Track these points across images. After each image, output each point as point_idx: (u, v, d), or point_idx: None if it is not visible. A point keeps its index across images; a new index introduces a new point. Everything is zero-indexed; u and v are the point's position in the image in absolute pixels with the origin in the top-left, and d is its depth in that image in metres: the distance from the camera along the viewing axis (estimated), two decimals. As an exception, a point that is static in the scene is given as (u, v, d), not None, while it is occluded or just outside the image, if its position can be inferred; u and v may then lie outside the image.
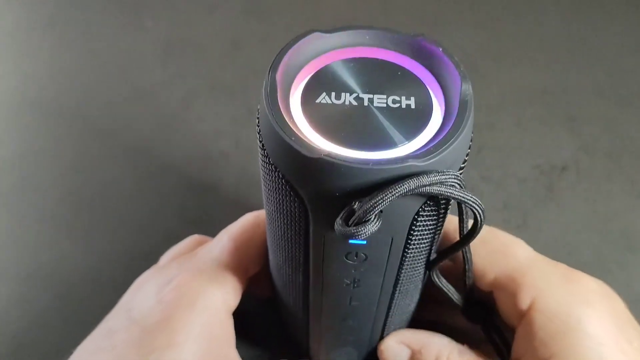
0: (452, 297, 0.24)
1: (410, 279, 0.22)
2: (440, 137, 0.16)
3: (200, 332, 0.22)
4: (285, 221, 0.19)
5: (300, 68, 0.19)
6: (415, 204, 0.17)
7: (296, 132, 0.16)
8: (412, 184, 0.15)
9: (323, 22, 0.54)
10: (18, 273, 0.36)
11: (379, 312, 0.24)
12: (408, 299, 0.24)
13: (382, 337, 0.26)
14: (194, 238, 0.30)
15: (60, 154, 0.44)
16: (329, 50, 0.19)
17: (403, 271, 0.21)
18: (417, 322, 0.27)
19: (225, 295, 0.24)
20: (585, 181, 0.42)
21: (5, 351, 0.32)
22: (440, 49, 0.18)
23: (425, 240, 0.20)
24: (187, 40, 0.53)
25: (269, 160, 0.18)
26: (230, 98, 0.48)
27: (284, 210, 0.19)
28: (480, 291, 0.25)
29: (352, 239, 0.16)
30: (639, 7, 0.57)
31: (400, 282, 0.21)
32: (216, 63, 0.51)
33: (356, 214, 0.16)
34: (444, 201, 0.18)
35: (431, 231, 0.19)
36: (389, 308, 0.23)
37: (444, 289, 0.23)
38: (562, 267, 0.24)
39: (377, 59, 0.19)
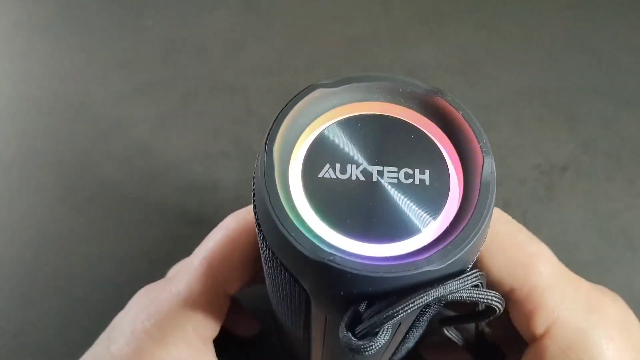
0: (461, 344, 0.23)
1: (414, 340, 0.22)
2: (459, 228, 0.14)
3: None
4: (286, 297, 0.18)
5: (300, 132, 0.17)
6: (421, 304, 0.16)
7: (296, 223, 0.14)
8: (430, 295, 0.14)
9: (322, 22, 0.54)
10: (18, 273, 0.36)
11: None
12: (410, 347, 0.24)
13: None
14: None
15: (60, 154, 0.44)
16: (333, 108, 0.17)
17: (407, 341, 0.21)
18: None
19: (198, 325, 0.23)
20: (585, 181, 0.42)
21: (6, 351, 0.32)
22: (461, 113, 0.16)
23: (426, 321, 0.19)
24: (187, 39, 0.53)
25: (267, 245, 0.16)
26: (230, 97, 0.48)
27: (284, 289, 0.17)
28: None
29: (358, 353, 0.15)
30: (638, 6, 0.57)
31: (399, 349, 0.22)
32: (216, 62, 0.51)
33: (364, 325, 0.14)
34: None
35: (435, 314, 0.18)
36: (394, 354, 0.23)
37: (454, 339, 0.22)
38: (585, 289, 0.22)
39: (387, 117, 0.17)
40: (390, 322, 0.14)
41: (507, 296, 0.22)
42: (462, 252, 0.14)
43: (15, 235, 0.39)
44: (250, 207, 0.25)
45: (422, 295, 0.14)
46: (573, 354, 0.20)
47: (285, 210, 0.15)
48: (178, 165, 0.43)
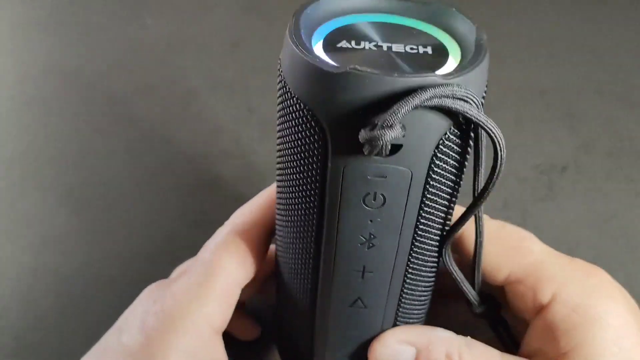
0: (463, 286, 0.23)
1: (425, 247, 0.21)
2: (462, 68, 0.17)
3: (182, 357, 0.22)
4: (301, 164, 0.19)
5: (319, 24, 0.19)
6: (436, 132, 0.17)
7: (317, 54, 0.17)
8: (435, 91, 0.16)
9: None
10: (19, 272, 0.36)
11: (392, 295, 0.22)
12: (421, 284, 0.23)
13: None
14: None
15: (61, 154, 0.44)
16: (348, 13, 0.20)
17: (419, 231, 0.20)
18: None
19: (209, 315, 0.23)
20: (585, 180, 0.42)
21: (7, 351, 0.32)
22: (454, 9, 0.20)
23: (444, 189, 0.19)
24: (188, 39, 0.53)
25: (290, 94, 0.18)
26: (230, 96, 0.48)
27: (301, 150, 0.19)
28: (489, 287, 0.24)
29: (375, 148, 0.16)
30: (638, 6, 0.57)
31: (415, 247, 0.21)
32: (216, 62, 0.51)
33: (380, 121, 0.16)
34: (464, 139, 0.18)
35: (451, 179, 0.19)
36: (403, 290, 0.22)
37: (455, 274, 0.22)
38: (579, 261, 0.24)
39: (394, 23, 0.20)
40: (401, 112, 0.16)
41: (507, 280, 0.23)
42: (466, 74, 0.17)
43: (15, 235, 0.39)
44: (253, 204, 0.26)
45: (427, 89, 0.16)
46: (581, 311, 0.21)
47: (309, 47, 0.17)
48: (178, 164, 0.43)
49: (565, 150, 0.44)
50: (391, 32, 0.19)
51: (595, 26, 0.55)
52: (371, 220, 0.19)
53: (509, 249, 0.23)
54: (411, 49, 0.18)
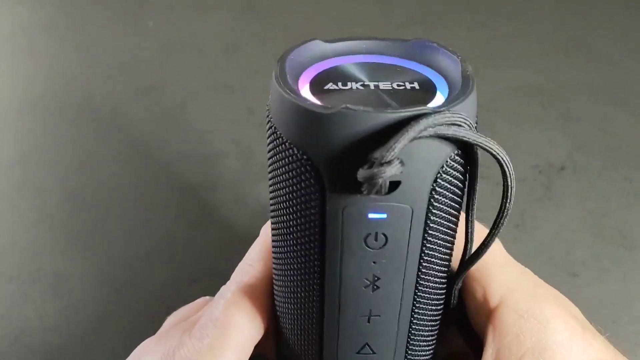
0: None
1: (430, 284, 0.21)
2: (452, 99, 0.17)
3: None
4: (298, 209, 0.19)
5: (304, 68, 0.19)
6: (433, 165, 0.17)
7: (306, 98, 0.17)
8: (428, 121, 0.16)
9: (322, 23, 0.55)
10: (19, 274, 0.36)
11: (400, 337, 0.22)
12: (428, 324, 0.23)
13: None
14: (203, 300, 0.28)
15: (60, 155, 0.45)
16: (330, 57, 0.20)
17: (424, 269, 0.20)
18: None
19: None
20: (582, 180, 0.43)
21: (8, 351, 0.32)
22: (435, 44, 0.20)
23: (445, 223, 0.19)
24: (187, 40, 0.54)
25: (282, 138, 0.18)
26: (229, 98, 0.48)
27: (296, 195, 0.19)
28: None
29: (374, 187, 0.16)
30: (634, 7, 0.58)
31: (420, 286, 0.21)
32: (215, 63, 0.51)
33: (378, 158, 0.16)
34: (462, 169, 0.18)
35: (450, 213, 0.19)
36: (410, 332, 0.22)
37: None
38: (527, 271, 0.24)
39: (377, 62, 0.20)
40: (397, 147, 0.15)
41: (465, 279, 0.24)
42: (459, 102, 0.17)
43: (16, 236, 0.39)
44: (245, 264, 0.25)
45: (422, 119, 0.16)
46: (530, 317, 0.21)
47: (297, 91, 0.18)
48: (178, 165, 0.44)
49: (562, 150, 0.45)
50: (376, 71, 0.20)
51: (591, 27, 0.55)
52: (374, 262, 0.19)
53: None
54: (398, 85, 0.19)
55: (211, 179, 0.42)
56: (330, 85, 0.19)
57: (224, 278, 0.25)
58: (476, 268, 0.23)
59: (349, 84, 0.19)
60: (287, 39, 0.51)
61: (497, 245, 0.25)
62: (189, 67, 0.51)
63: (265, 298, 0.24)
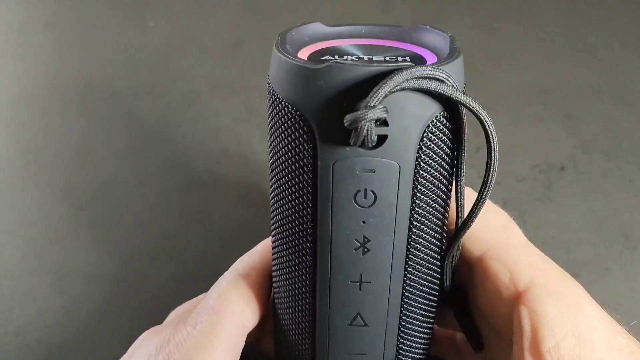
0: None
1: (422, 250, 0.21)
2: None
3: None
4: (292, 166, 0.20)
5: (304, 45, 0.21)
6: (419, 122, 0.18)
7: (301, 57, 0.19)
8: (411, 72, 0.17)
9: (322, 22, 0.55)
10: (21, 270, 0.36)
11: (392, 309, 0.22)
12: (421, 300, 0.23)
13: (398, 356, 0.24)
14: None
15: (62, 152, 0.45)
16: (329, 39, 0.22)
17: (414, 232, 0.20)
18: None
19: (223, 356, 0.23)
20: (584, 180, 0.42)
21: (9, 348, 0.32)
22: (428, 26, 0.21)
23: (434, 183, 0.20)
24: (189, 39, 0.54)
25: (278, 99, 0.19)
26: (231, 97, 0.48)
27: (291, 153, 0.19)
28: (460, 269, 0.24)
29: (361, 134, 0.17)
30: (636, 6, 0.58)
31: (412, 250, 0.21)
32: (217, 62, 0.51)
33: (363, 102, 0.17)
34: (449, 129, 0.19)
35: (440, 173, 0.19)
36: (403, 305, 0.22)
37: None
38: (549, 259, 0.24)
39: (372, 45, 0.22)
40: (381, 93, 0.17)
41: (481, 257, 0.23)
42: (443, 63, 0.18)
43: (17, 233, 0.39)
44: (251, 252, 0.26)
45: (404, 69, 0.17)
46: (564, 298, 0.21)
47: (293, 53, 0.19)
48: (179, 163, 0.44)
49: (564, 150, 0.45)
50: (371, 49, 0.21)
51: (593, 27, 0.55)
52: (364, 222, 0.20)
53: (493, 226, 0.24)
54: (390, 58, 0.20)
55: (212, 177, 0.43)
56: (327, 57, 0.20)
57: (225, 276, 0.25)
58: (497, 249, 0.23)
59: (344, 57, 0.20)
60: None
61: (516, 228, 0.25)
62: (190, 66, 0.51)
63: (262, 286, 0.25)
